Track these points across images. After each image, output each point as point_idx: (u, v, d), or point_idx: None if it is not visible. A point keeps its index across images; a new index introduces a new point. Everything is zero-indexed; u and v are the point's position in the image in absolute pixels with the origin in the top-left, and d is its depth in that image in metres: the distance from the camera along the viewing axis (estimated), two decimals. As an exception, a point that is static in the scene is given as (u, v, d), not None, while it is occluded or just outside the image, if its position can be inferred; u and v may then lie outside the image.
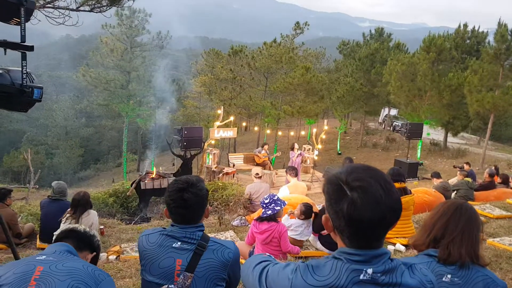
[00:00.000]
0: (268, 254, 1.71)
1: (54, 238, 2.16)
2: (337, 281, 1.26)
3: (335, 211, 1.29)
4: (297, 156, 15.47)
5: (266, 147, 18.36)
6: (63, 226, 2.19)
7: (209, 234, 2.23)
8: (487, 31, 28.97)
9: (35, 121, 53.57)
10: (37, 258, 1.91)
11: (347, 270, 1.27)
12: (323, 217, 1.39)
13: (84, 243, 2.16)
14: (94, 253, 2.19)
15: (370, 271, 1.26)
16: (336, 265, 1.30)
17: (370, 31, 40.14)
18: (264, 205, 5.05)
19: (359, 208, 1.22)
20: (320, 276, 1.30)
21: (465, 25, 28.68)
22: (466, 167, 13.30)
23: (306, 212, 5.83)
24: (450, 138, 31.78)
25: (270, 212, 4.98)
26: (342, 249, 1.33)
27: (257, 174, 9.58)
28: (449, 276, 2.03)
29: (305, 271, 1.33)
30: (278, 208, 5.01)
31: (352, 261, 1.28)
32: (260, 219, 5.05)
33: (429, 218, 2.29)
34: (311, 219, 5.94)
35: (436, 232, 2.17)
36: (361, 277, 1.26)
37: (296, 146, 15.86)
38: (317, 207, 7.47)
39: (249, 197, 9.34)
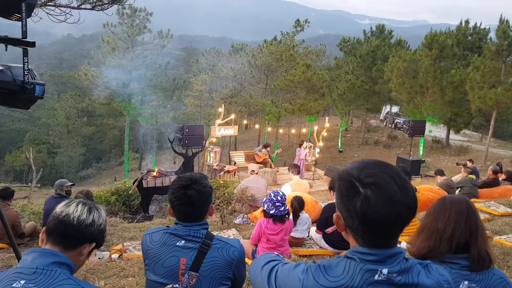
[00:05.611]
0: (276, 253, 1.66)
1: (45, 227, 1.70)
2: (350, 282, 1.21)
3: (347, 209, 1.23)
4: (305, 154, 15.36)
5: (268, 149, 18.28)
6: (58, 209, 1.57)
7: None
8: (489, 28, 28.87)
9: (36, 120, 53.70)
10: (14, 286, 1.48)
11: (361, 270, 1.22)
12: (334, 215, 1.34)
13: (79, 238, 1.68)
14: (94, 243, 1.74)
15: (385, 271, 1.21)
16: (350, 265, 1.24)
17: (371, 28, 39.99)
18: (280, 204, 4.75)
19: (373, 206, 1.17)
20: (332, 277, 1.24)
21: (467, 22, 28.60)
22: (469, 164, 13.22)
23: (292, 204, 5.57)
24: (452, 135, 31.77)
25: (287, 208, 4.80)
26: (355, 248, 1.27)
27: (253, 171, 9.55)
28: (466, 282, 1.84)
29: (317, 272, 1.28)
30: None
31: (366, 260, 1.22)
32: (280, 219, 4.76)
33: (435, 221, 2.00)
34: (302, 214, 5.72)
35: (459, 237, 1.91)
36: (376, 277, 1.20)
37: (305, 144, 15.71)
38: (320, 205, 7.44)
39: (244, 191, 9.13)
